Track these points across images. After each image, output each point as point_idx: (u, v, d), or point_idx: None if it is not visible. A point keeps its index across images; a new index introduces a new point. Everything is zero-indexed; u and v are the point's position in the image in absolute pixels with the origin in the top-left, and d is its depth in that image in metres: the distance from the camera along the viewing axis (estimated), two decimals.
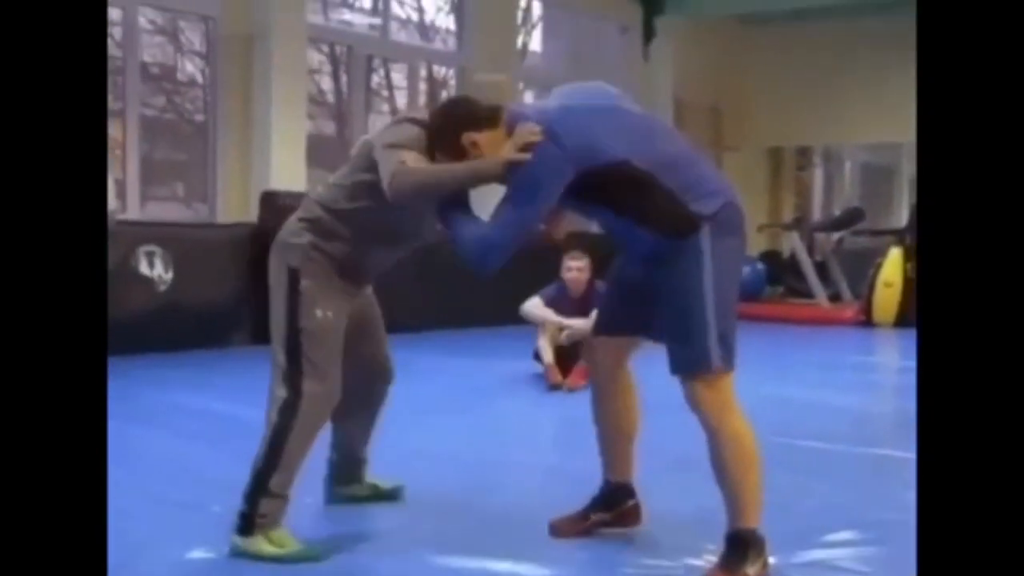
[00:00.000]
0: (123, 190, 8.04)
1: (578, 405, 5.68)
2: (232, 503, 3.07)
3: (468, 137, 2.90)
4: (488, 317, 9.50)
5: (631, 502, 3.28)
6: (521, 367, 6.69)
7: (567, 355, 6.28)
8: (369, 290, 3.36)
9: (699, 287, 2.78)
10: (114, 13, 7.98)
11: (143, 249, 7.58)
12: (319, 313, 3.03)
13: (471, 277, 3.00)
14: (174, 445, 4.61)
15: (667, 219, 2.82)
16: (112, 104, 7.85)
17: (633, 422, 3.24)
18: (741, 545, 2.84)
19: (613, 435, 3.24)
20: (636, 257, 3.02)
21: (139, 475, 3.90)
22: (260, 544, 2.99)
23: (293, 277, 3.04)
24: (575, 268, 6.49)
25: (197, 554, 3.05)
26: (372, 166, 2.99)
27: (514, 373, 6.71)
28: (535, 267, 8.03)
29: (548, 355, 6.30)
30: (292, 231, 3.12)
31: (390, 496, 3.62)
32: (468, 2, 10.78)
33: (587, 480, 3.32)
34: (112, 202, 6.93)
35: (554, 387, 6.14)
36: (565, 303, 6.48)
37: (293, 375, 3.00)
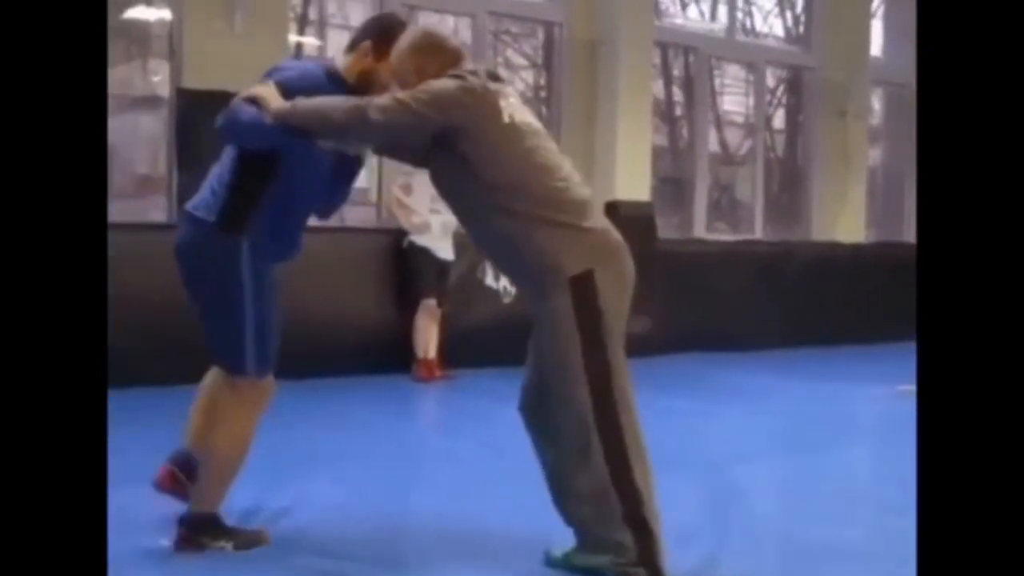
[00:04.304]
0: None
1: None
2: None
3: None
4: (858, 334, 8.91)
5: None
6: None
7: None
8: None
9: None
10: (463, 22, 8.04)
11: (489, 261, 7.51)
12: None
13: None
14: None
15: None
16: None
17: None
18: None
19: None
20: None
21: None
22: None
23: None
24: None
25: None
26: None
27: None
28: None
29: None
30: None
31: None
32: (816, 1, 10.22)
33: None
34: None
35: None
36: None
37: None
